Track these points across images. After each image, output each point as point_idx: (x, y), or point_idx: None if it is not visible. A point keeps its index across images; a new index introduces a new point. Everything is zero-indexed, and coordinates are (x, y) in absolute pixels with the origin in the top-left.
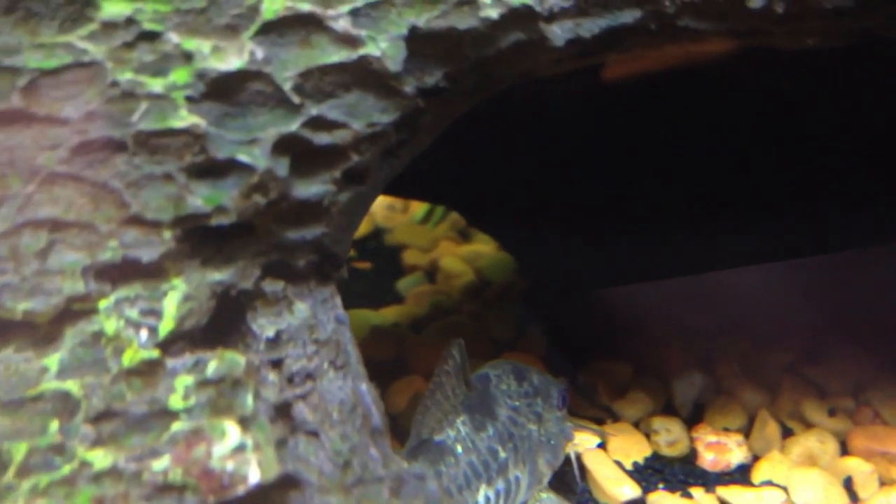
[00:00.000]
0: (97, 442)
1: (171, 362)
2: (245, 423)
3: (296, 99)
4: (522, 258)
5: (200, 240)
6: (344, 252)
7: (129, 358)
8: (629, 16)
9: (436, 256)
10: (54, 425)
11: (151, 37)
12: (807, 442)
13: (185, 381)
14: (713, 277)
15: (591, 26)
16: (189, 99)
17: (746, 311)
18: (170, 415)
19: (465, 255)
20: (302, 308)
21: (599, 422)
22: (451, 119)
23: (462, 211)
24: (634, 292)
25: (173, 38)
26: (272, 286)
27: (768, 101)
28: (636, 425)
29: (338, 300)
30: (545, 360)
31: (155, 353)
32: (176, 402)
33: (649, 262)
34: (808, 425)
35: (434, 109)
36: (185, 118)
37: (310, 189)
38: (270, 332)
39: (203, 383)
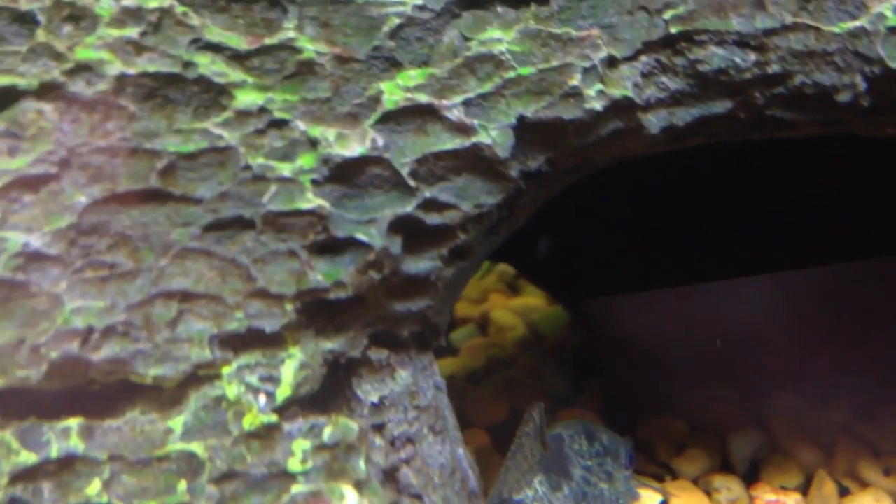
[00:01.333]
0: (221, 502)
1: (287, 426)
2: (360, 486)
3: (412, 182)
4: (578, 312)
5: (315, 311)
6: (444, 322)
7: (249, 422)
8: (720, 106)
9: (486, 309)
10: (182, 485)
11: (280, 124)
12: (863, 501)
13: (302, 445)
14: (767, 336)
15: (684, 115)
16: (314, 182)
17: (799, 368)
18: (289, 477)
19: (516, 307)
20: (404, 375)
21: (659, 479)
22: (545, 198)
23: (516, 264)
24: (689, 347)
25: (300, 125)
26: (377, 354)
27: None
28: (694, 482)
29: (436, 367)
30: (603, 415)
31: (273, 418)
32: (294, 465)
33: (706, 317)
34: (864, 485)
35: (533, 190)
36: (311, 200)
37: (419, 265)
38: (374, 398)
39: (320, 447)
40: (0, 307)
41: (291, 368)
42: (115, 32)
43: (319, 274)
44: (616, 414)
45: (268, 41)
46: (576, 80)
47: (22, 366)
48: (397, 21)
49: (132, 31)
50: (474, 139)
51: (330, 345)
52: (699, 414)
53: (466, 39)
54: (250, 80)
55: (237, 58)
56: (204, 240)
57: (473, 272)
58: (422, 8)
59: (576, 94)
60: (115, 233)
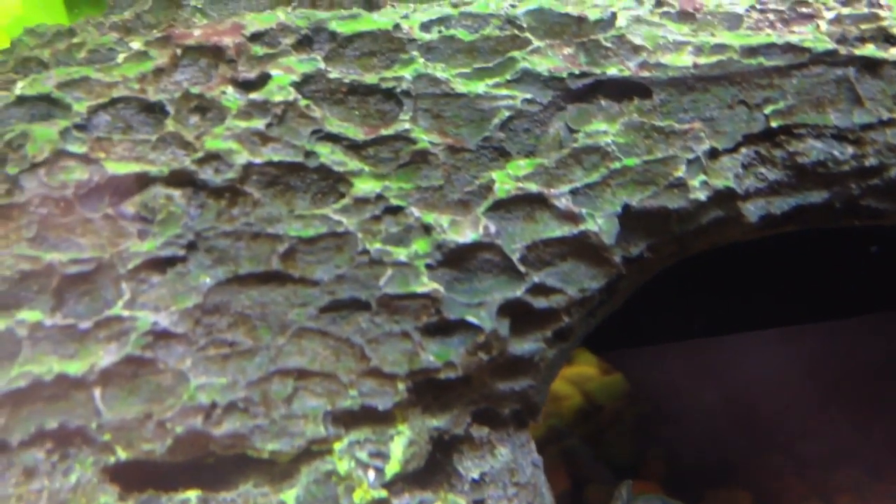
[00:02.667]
0: None
1: (396, 502)
2: None
3: (522, 268)
4: (641, 382)
5: (424, 389)
6: (542, 401)
7: (360, 496)
8: (817, 196)
9: None
10: None
11: (396, 211)
12: None
13: None
14: (824, 406)
15: (781, 204)
16: (428, 266)
17: (858, 439)
18: None
19: (572, 377)
20: (503, 452)
21: None
22: (642, 282)
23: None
24: (750, 417)
25: (415, 212)
26: (478, 431)
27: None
28: None
29: (533, 444)
30: (666, 486)
31: (383, 493)
32: None
33: (763, 388)
34: None
35: (633, 275)
36: (425, 284)
37: (524, 347)
38: (475, 474)
39: None
40: (128, 383)
41: (401, 445)
42: (242, 124)
43: (431, 355)
44: (679, 485)
45: (384, 132)
46: (681, 172)
47: (148, 439)
48: (507, 114)
49: (259, 123)
50: (582, 227)
51: (435, 422)
52: (760, 486)
53: (572, 131)
54: (367, 168)
55: (354, 147)
56: (320, 320)
57: (571, 353)
58: (530, 101)
59: (680, 185)
60: (234, 312)
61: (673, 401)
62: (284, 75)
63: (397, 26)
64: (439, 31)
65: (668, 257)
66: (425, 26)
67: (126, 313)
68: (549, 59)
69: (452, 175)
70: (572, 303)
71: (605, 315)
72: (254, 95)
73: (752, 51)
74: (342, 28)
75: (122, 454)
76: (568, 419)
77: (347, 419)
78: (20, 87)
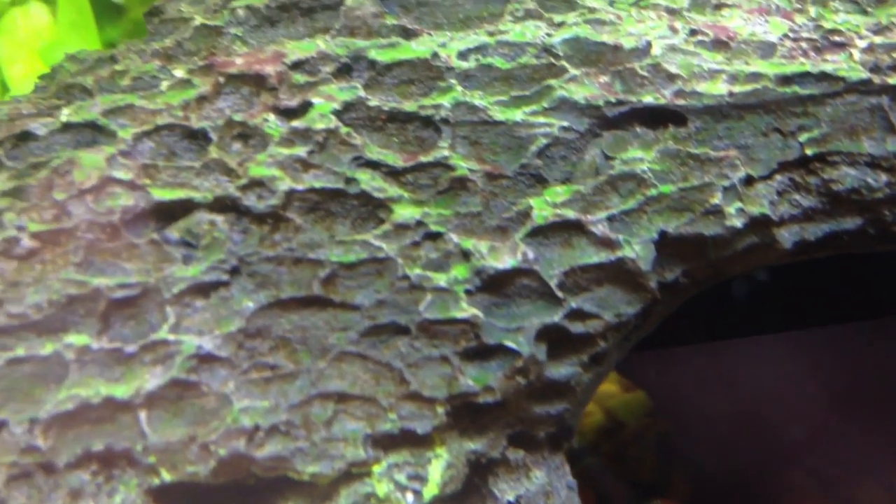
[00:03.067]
0: None
1: None
2: None
3: (560, 293)
4: (664, 400)
5: (461, 413)
6: (576, 424)
7: None
8: (851, 223)
9: None
10: None
11: (435, 237)
12: None
13: None
14: (845, 424)
15: (815, 231)
16: (467, 292)
17: (878, 456)
18: None
19: None
20: (539, 475)
21: None
22: (675, 307)
23: None
24: (773, 436)
25: (454, 238)
26: (514, 454)
27: None
28: None
29: (567, 468)
30: None
31: None
32: None
33: (786, 407)
34: None
35: (667, 300)
36: (465, 309)
37: (560, 371)
38: (511, 497)
39: None
40: (172, 406)
41: (439, 468)
42: (284, 151)
43: (470, 379)
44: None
45: (423, 159)
46: (717, 199)
47: (191, 461)
48: (545, 141)
49: (301, 150)
50: (619, 253)
51: (472, 445)
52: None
53: (608, 158)
54: (406, 194)
55: (393, 174)
56: (360, 344)
57: (605, 377)
58: (567, 129)
59: (717, 212)
60: (275, 336)
61: (693, 414)
62: (326, 103)
63: (435, 55)
64: (476, 60)
65: (703, 282)
66: (463, 55)
67: (171, 337)
68: (586, 87)
69: (490, 201)
70: (608, 328)
71: (638, 339)
72: (296, 123)
73: (786, 79)
74: (381, 56)
75: (167, 476)
76: (590, 437)
77: (386, 442)
78: (66, 114)
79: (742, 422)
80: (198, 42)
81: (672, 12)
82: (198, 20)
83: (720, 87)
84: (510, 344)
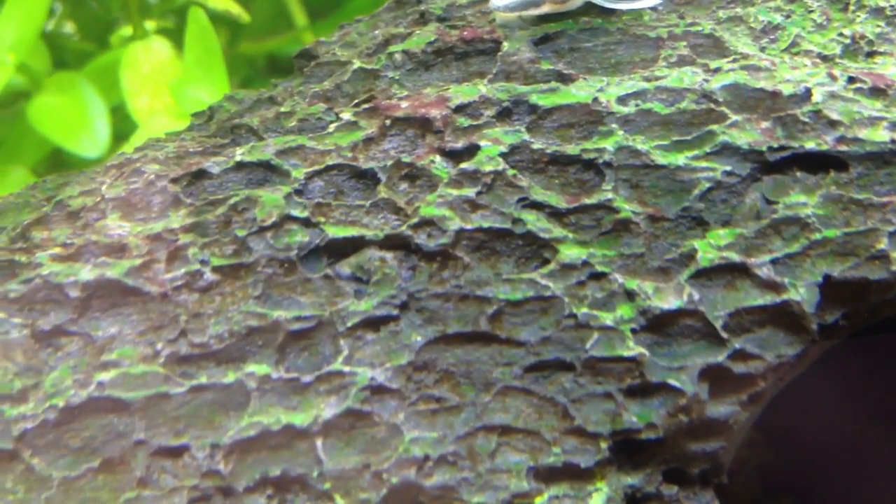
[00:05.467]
0: None
1: None
2: None
3: (724, 334)
4: (765, 428)
5: (621, 448)
6: (728, 461)
7: None
8: None
9: None
10: None
11: (600, 277)
12: None
13: None
14: None
15: None
16: (633, 331)
17: None
18: None
19: None
20: None
21: None
22: (828, 348)
23: None
24: (879, 464)
25: (618, 278)
26: (668, 490)
27: None
28: None
29: (717, 503)
30: None
31: None
32: None
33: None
34: None
35: (824, 342)
36: (631, 348)
37: (720, 410)
38: None
39: None
40: (345, 434)
41: (599, 501)
42: (453, 192)
43: (633, 415)
44: None
45: (587, 200)
46: (883, 244)
47: (364, 489)
48: (707, 185)
49: (469, 191)
50: (784, 296)
51: (630, 480)
52: None
53: (769, 202)
54: (570, 235)
55: (556, 215)
56: (524, 379)
57: (758, 415)
58: (730, 173)
59: (882, 257)
60: (440, 369)
61: (796, 442)
62: (493, 146)
63: (595, 100)
64: (636, 105)
65: (859, 324)
66: (622, 100)
67: (346, 368)
68: (748, 133)
69: (652, 243)
70: (769, 368)
71: (791, 378)
72: (464, 165)
73: None
74: (542, 101)
75: (340, 501)
76: None
77: (548, 475)
78: (240, 154)
79: (850, 449)
80: (356, 85)
81: (825, 59)
82: (356, 64)
83: (881, 134)
84: (674, 382)
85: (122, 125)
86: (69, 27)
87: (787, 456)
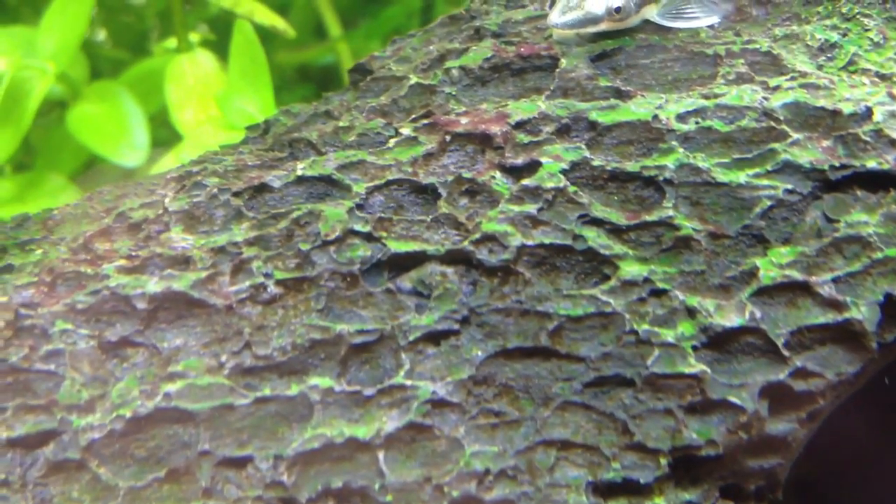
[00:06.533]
0: None
1: None
2: None
3: (786, 352)
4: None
5: (678, 464)
6: (783, 478)
7: None
8: None
9: None
10: None
11: (660, 294)
12: None
13: None
14: None
15: None
16: (694, 348)
17: None
18: None
19: None
20: None
21: None
22: (882, 365)
23: None
24: None
25: (679, 295)
26: None
27: None
28: None
29: None
30: None
31: None
32: None
33: None
34: None
35: (881, 360)
36: (693, 365)
37: (779, 427)
38: None
39: None
40: (407, 447)
41: None
42: (515, 208)
43: (693, 432)
44: None
45: (647, 217)
46: None
47: (425, 501)
48: (769, 203)
49: (531, 207)
50: (846, 315)
51: (687, 496)
52: None
53: (830, 220)
54: (631, 252)
55: (616, 231)
56: (584, 394)
57: (815, 432)
58: (791, 191)
59: None
60: (499, 384)
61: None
62: (554, 163)
63: (655, 117)
64: (696, 122)
65: None
66: (681, 117)
67: (408, 382)
68: (809, 152)
69: (713, 261)
70: (829, 386)
71: (847, 395)
72: (525, 181)
73: None
74: (602, 118)
75: None
76: None
77: (605, 490)
78: (300, 168)
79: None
80: (412, 100)
81: (883, 77)
82: (412, 79)
83: None
84: (734, 400)
85: (156, 133)
86: (101, 35)
87: (827, 474)
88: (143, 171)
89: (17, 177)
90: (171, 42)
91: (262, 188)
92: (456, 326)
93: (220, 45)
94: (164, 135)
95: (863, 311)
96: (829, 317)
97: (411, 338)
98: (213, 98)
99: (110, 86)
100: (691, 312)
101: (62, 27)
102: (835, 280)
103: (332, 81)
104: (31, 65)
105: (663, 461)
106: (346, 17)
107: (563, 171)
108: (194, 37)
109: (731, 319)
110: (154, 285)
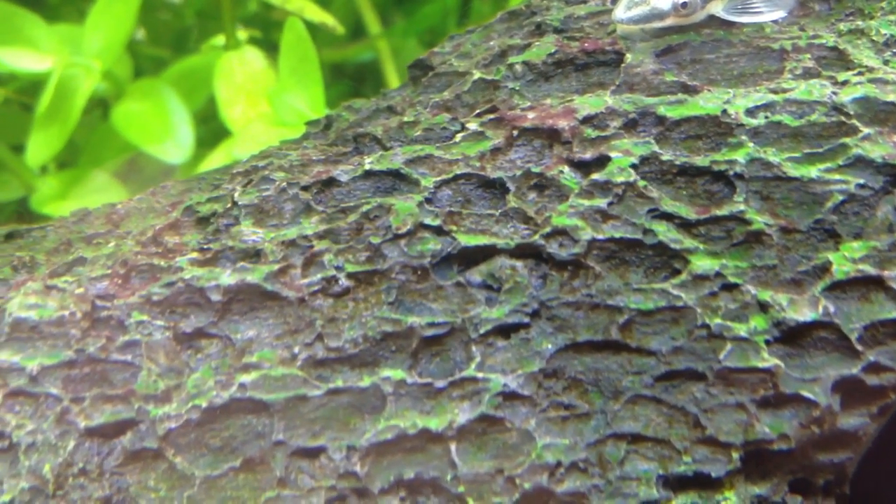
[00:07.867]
0: None
1: None
2: None
3: (859, 347)
4: None
5: (749, 458)
6: (851, 471)
7: None
8: None
9: None
10: None
11: (732, 288)
12: None
13: None
14: None
15: None
16: (767, 342)
17: None
18: None
19: None
20: None
21: None
22: None
23: None
24: None
25: (751, 289)
26: (793, 500)
27: None
28: None
29: None
30: None
31: None
32: None
33: None
34: None
35: None
36: (766, 359)
37: (850, 421)
38: None
39: None
40: (478, 439)
41: None
42: (585, 202)
43: (766, 426)
44: None
45: (717, 212)
46: None
47: (497, 493)
48: (841, 198)
49: (601, 202)
50: None
51: (757, 489)
52: None
53: None
54: (701, 246)
55: (685, 226)
56: (654, 388)
57: (882, 427)
58: (863, 186)
59: None
60: (569, 377)
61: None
62: (624, 157)
63: (724, 112)
64: (765, 117)
65: None
66: (751, 112)
67: (479, 375)
68: (881, 147)
69: (784, 255)
70: None
71: None
72: (595, 176)
73: None
74: (670, 112)
75: None
76: None
77: (676, 483)
78: (368, 162)
79: None
80: (475, 95)
81: None
82: (475, 74)
83: None
84: (807, 394)
85: (198, 130)
86: (139, 34)
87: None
88: (186, 169)
89: (61, 173)
90: (217, 39)
91: (330, 182)
92: (526, 320)
93: (259, 42)
94: (202, 132)
95: None
96: None
97: (482, 331)
98: (262, 94)
99: (154, 83)
100: (764, 307)
101: (108, 25)
102: None
103: (367, 78)
104: (78, 62)
105: (735, 455)
106: (382, 15)
107: (633, 166)
108: (241, 34)
109: (805, 314)
110: (227, 277)
